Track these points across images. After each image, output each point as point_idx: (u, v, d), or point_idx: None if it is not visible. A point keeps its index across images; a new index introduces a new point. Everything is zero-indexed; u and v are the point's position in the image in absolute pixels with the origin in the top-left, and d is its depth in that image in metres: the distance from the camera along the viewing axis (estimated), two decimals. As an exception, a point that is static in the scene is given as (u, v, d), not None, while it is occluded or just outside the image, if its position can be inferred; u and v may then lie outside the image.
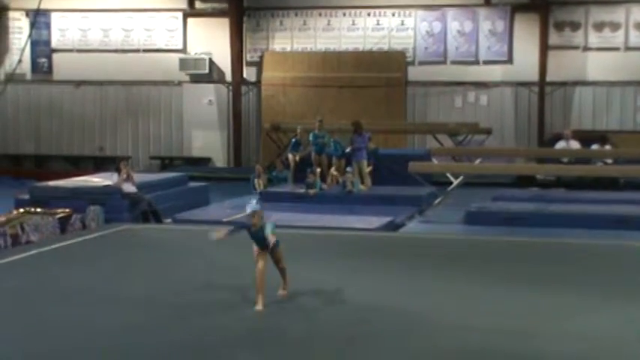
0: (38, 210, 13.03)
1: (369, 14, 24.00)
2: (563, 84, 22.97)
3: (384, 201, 15.91)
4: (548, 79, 22.86)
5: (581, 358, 6.57)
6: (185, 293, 8.61)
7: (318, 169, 17.38)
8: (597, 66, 22.78)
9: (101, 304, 8.17)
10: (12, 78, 24.14)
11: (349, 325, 7.52)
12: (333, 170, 17.47)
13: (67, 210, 13.01)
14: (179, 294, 8.54)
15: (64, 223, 12.59)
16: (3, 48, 25.69)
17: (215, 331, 6.82)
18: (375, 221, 13.64)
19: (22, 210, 13.07)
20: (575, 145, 19.61)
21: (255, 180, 18.52)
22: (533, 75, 22.90)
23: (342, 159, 17.66)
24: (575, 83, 22.98)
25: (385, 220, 13.81)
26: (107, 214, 13.64)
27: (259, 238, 8.08)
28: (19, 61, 23.80)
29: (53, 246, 11.47)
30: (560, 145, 19.80)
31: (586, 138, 20.06)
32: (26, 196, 14.62)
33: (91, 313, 7.83)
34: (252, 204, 8.19)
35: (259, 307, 7.80)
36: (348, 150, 17.60)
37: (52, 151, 25.80)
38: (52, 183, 15.34)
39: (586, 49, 22.89)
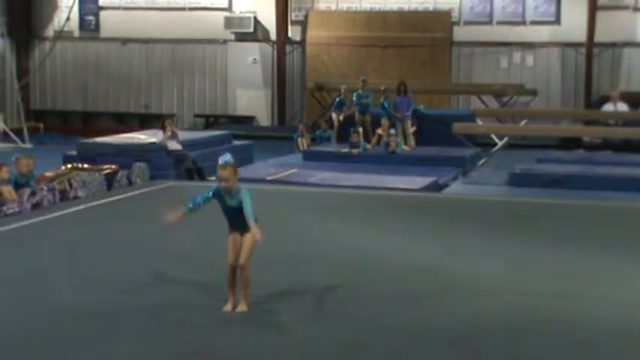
0: (85, 166, 13.22)
1: (414, -27, 23.76)
2: (612, 45, 22.57)
3: (427, 161, 15.88)
4: (597, 40, 22.46)
5: (626, 321, 6.55)
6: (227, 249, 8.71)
7: (361, 129, 17.36)
8: (648, 27, 22.36)
9: (145, 259, 8.33)
10: (60, 35, 24.38)
11: (390, 284, 7.58)
12: (379, 130, 17.38)
13: (114, 166, 13.19)
14: (221, 250, 8.64)
15: (110, 180, 12.77)
16: (52, 5, 25.90)
17: (257, 287, 6.91)
18: (418, 182, 13.64)
19: (69, 166, 13.29)
20: (622, 107, 19.34)
21: (299, 139, 18.60)
22: (581, 36, 22.53)
23: (389, 119, 17.52)
24: (624, 44, 22.56)
25: (428, 180, 13.80)
26: (152, 171, 13.81)
27: (232, 210, 6.55)
28: (68, 18, 24.04)
29: (100, 202, 11.67)
30: (608, 107, 19.53)
31: (634, 100, 19.77)
32: (74, 153, 14.86)
33: (135, 268, 7.98)
34: (225, 156, 6.53)
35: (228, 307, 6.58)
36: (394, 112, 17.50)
37: (99, 107, 26.08)
38: (98, 139, 15.55)
39: (636, 9, 22.44)
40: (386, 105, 17.53)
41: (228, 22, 24.49)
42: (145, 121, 24.17)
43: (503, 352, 5.90)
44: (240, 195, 6.48)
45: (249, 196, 6.48)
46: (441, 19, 23.50)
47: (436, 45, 23.36)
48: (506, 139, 16.46)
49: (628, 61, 22.63)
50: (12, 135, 21.36)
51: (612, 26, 22.37)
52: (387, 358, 5.74)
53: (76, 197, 11.82)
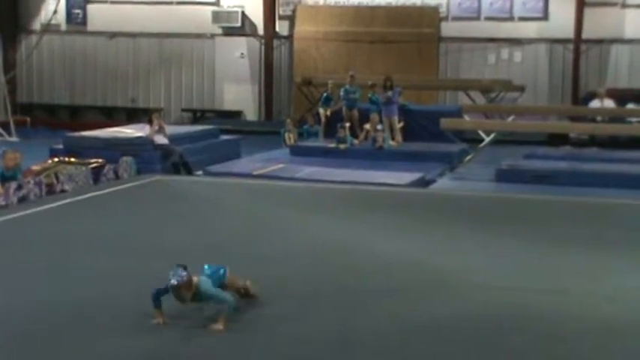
0: (72, 160, 13.19)
1: (403, -32, 23.76)
2: (600, 42, 22.64)
3: (414, 157, 15.88)
4: (584, 36, 22.51)
5: (613, 318, 6.58)
6: (213, 244, 8.72)
7: (348, 124, 17.34)
8: (635, 23, 22.39)
9: (131, 254, 8.30)
10: (47, 28, 24.26)
11: (376, 279, 7.58)
12: (367, 125, 17.34)
13: (100, 160, 13.17)
14: (208, 245, 8.65)
15: (97, 173, 12.74)
16: (39, -2, 25.80)
17: (251, 279, 6.90)
18: (405, 177, 13.64)
19: (56, 159, 13.24)
20: (609, 103, 19.41)
21: (286, 134, 18.58)
22: (569, 32, 22.58)
23: (379, 114, 17.44)
24: (612, 41, 22.64)
25: (415, 176, 13.81)
26: (139, 165, 13.78)
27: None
28: (55, 11, 23.92)
29: (86, 195, 11.64)
30: (595, 103, 19.60)
31: (621, 97, 19.84)
32: (60, 146, 14.80)
33: (121, 262, 7.96)
34: (176, 273, 6.05)
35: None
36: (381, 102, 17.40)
37: (86, 101, 25.99)
38: (85, 133, 15.50)
39: (624, 5, 22.51)
40: (374, 99, 17.49)
41: (216, 17, 24.44)
42: (133, 115, 24.13)
43: (490, 347, 5.92)
44: (206, 294, 6.12)
45: (213, 290, 6.14)
46: (429, 15, 23.52)
47: (424, 40, 23.39)
48: (493, 135, 16.49)
49: (615, 57, 22.71)
50: (-2, 128, 21.27)
51: (600, 23, 22.43)
52: (375, 353, 5.75)
53: (62, 191, 11.78)
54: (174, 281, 5.99)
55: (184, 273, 6.02)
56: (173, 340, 5.88)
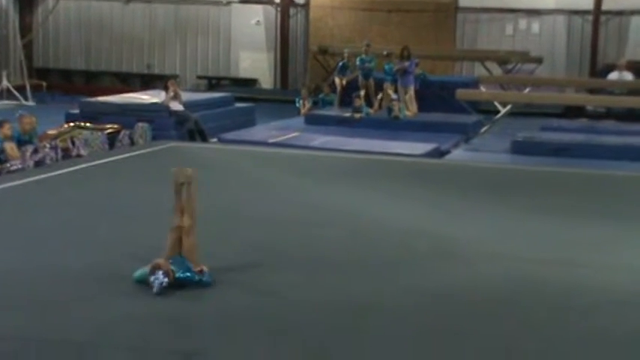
0: (88, 125, 13.23)
1: (421, -63, 23.52)
2: (619, 13, 22.39)
3: (429, 127, 15.84)
4: (604, 7, 22.26)
5: (626, 289, 6.58)
6: (226, 210, 8.75)
7: (364, 93, 17.27)
8: (656, -5, 22.16)
9: (145, 219, 8.34)
10: (63, -7, 24.23)
11: (388, 248, 7.60)
12: (388, 90, 17.14)
13: (116, 126, 13.19)
14: (223, 211, 8.67)
15: (112, 139, 12.77)
16: (54, -37, 25.72)
17: (263, 246, 6.93)
18: (420, 147, 13.61)
19: (72, 124, 13.28)
20: (628, 76, 19.23)
21: (301, 102, 18.57)
22: (588, 3, 22.34)
23: (394, 83, 17.34)
24: (632, 12, 22.38)
25: (430, 146, 13.77)
26: (154, 132, 13.81)
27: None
28: (71, -25, 23.88)
29: (102, 161, 11.68)
30: (613, 75, 19.42)
31: (640, 69, 19.67)
32: (76, 111, 14.83)
33: (135, 227, 8.00)
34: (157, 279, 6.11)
35: None
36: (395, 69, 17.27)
37: (102, 67, 25.98)
38: (101, 99, 15.52)
39: (645, -23, 22.26)
40: (388, 69, 17.39)
41: (233, -17, 24.32)
42: (148, 82, 24.12)
43: (503, 317, 5.93)
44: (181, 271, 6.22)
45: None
46: (447, -16, 23.32)
47: (441, 10, 23.20)
48: (509, 106, 16.41)
49: (635, 29, 22.45)
50: (15, 92, 21.29)
51: (620, -6, 22.17)
52: (386, 320, 5.77)
53: (78, 155, 11.83)
54: (164, 284, 6.01)
55: (163, 276, 6.04)
56: (181, 303, 5.92)
